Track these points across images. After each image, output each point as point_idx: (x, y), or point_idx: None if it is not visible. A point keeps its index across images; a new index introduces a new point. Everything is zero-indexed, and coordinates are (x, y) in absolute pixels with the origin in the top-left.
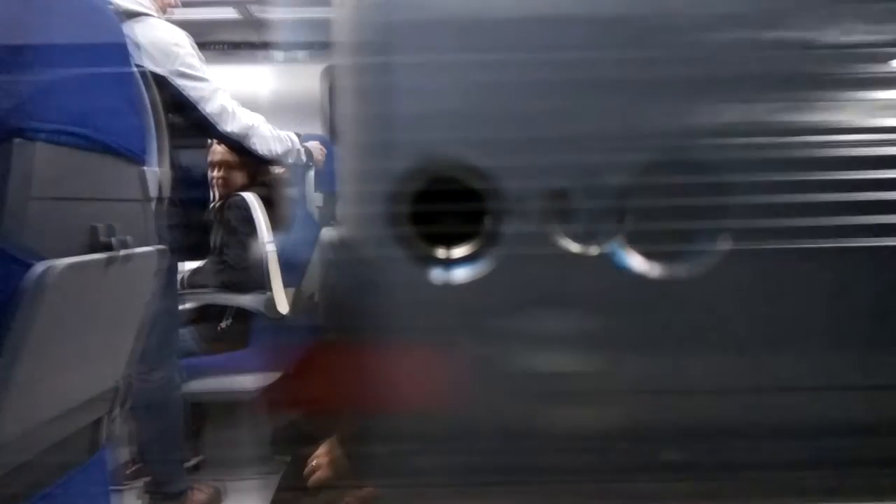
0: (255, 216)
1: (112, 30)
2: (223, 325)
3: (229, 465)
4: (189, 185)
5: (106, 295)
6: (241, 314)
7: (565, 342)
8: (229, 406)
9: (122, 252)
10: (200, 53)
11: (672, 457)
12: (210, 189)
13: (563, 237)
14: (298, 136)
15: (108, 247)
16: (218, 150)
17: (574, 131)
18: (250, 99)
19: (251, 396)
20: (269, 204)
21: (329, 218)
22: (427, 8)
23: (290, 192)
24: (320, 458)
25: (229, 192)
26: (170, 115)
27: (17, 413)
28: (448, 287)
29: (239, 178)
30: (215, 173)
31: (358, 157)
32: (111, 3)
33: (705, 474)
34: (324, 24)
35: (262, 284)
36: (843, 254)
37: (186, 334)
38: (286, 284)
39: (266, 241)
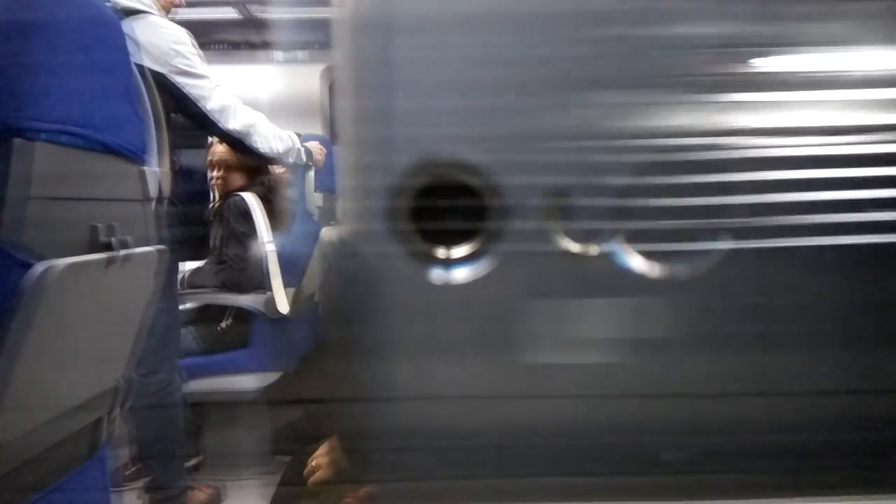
0: (254, 216)
1: (112, 28)
2: (223, 325)
3: (229, 465)
4: (189, 184)
5: (106, 295)
6: (241, 314)
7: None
8: (229, 406)
9: (122, 252)
10: (200, 52)
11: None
12: (210, 189)
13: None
14: (298, 135)
15: (108, 247)
16: (218, 150)
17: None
18: (250, 99)
19: (251, 396)
20: (268, 204)
21: (329, 217)
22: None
23: (290, 191)
24: (320, 458)
25: (229, 192)
26: (170, 113)
27: (17, 413)
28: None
29: (238, 178)
30: (215, 173)
31: (358, 153)
32: (110, 1)
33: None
34: (324, 24)
35: (262, 284)
36: None
37: (186, 334)
38: (286, 284)
39: (266, 240)
